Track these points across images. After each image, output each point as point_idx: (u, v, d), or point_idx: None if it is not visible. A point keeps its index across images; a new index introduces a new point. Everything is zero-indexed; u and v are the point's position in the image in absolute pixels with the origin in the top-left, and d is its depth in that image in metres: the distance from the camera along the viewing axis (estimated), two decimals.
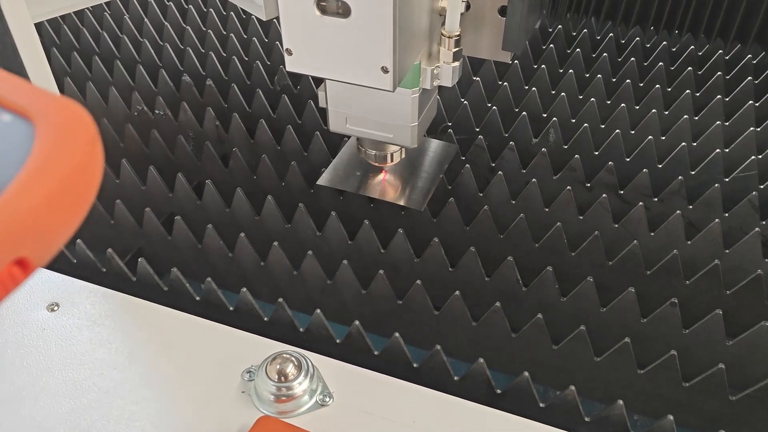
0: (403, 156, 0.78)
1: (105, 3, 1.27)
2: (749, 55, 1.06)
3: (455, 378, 0.64)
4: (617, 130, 0.90)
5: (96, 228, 0.85)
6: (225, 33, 1.18)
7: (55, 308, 0.70)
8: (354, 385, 0.62)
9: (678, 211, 0.77)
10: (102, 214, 0.83)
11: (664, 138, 0.92)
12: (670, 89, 1.02)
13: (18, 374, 0.64)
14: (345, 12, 0.54)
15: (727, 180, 0.86)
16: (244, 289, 0.68)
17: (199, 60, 1.10)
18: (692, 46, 1.07)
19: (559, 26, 1.14)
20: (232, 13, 1.21)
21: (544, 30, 1.17)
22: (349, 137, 0.91)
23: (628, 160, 0.90)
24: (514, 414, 0.60)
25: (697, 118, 0.96)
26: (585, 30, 1.12)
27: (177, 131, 0.95)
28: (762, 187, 0.84)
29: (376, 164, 0.78)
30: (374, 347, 0.67)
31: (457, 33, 0.62)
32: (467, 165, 0.84)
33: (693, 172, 0.87)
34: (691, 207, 0.83)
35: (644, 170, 0.84)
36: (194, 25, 1.20)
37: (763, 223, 0.80)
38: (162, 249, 0.82)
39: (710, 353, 0.67)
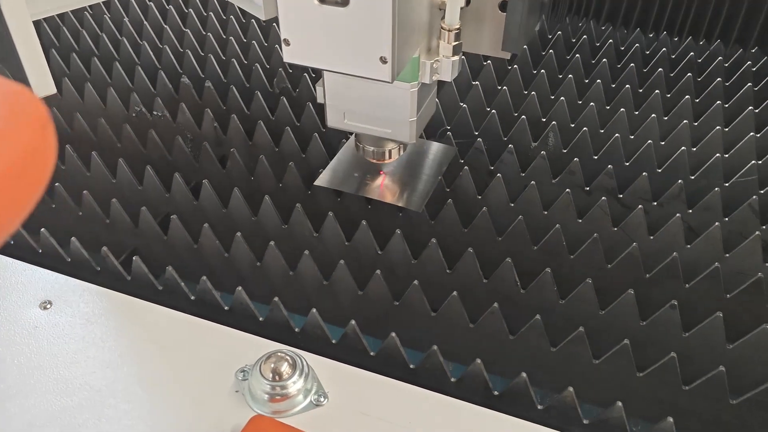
0: (402, 153, 0.77)
1: (105, 6, 1.27)
2: (749, 62, 1.06)
3: (452, 379, 0.63)
4: (616, 134, 0.89)
5: (91, 227, 0.84)
6: (225, 37, 1.18)
7: (48, 306, 0.69)
8: (349, 385, 0.62)
9: (678, 214, 0.77)
10: (97, 214, 0.83)
11: (663, 143, 0.92)
12: (669, 95, 1.02)
13: (8, 372, 0.63)
14: (344, 1, 0.53)
15: (726, 185, 0.85)
16: (239, 288, 0.68)
17: (198, 63, 1.10)
18: (692, 53, 1.07)
19: (559, 32, 1.14)
20: (231, 17, 1.21)
21: (543, 36, 1.17)
22: (347, 139, 0.90)
23: (627, 164, 0.90)
24: (512, 416, 0.60)
25: (696, 123, 0.95)
26: (584, 36, 1.12)
27: (175, 132, 0.95)
28: (762, 192, 0.84)
29: (374, 161, 0.77)
30: (370, 348, 0.66)
31: (457, 26, 0.61)
32: (466, 167, 0.84)
33: (693, 177, 0.87)
34: (690, 211, 0.82)
35: (644, 174, 0.83)
36: (194, 28, 1.20)
37: (764, 227, 0.79)
38: (158, 249, 0.81)
39: (711, 357, 0.67)
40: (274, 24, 1.18)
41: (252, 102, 1.00)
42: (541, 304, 0.72)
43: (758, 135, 0.92)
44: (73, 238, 0.74)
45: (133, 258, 0.72)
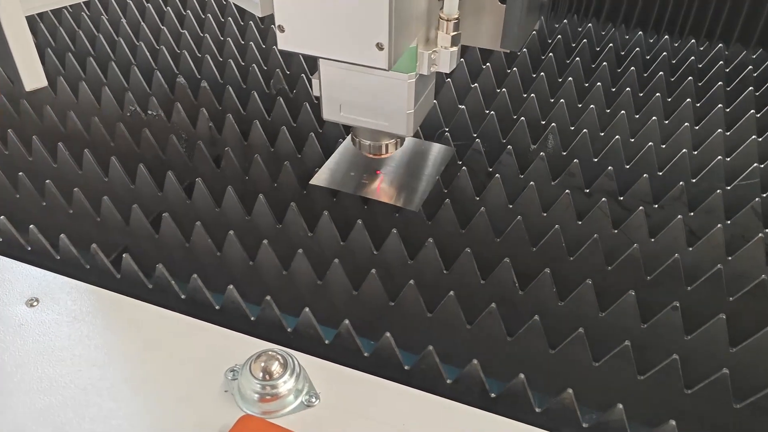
0: (399, 147, 0.76)
1: (102, 7, 1.26)
2: (750, 67, 1.05)
3: (448, 381, 0.61)
4: (617, 136, 0.88)
5: (82, 225, 0.82)
6: (222, 38, 1.17)
7: (35, 303, 0.67)
8: (342, 386, 0.60)
9: (679, 216, 0.75)
10: (88, 212, 0.81)
11: (664, 146, 0.91)
12: (670, 99, 1.01)
13: None
14: None
15: (728, 188, 0.84)
16: (231, 287, 0.66)
17: (195, 64, 1.09)
18: (692, 57, 1.07)
19: (559, 36, 1.13)
20: (229, 18, 1.20)
21: (543, 40, 1.16)
22: (344, 139, 0.89)
23: (627, 167, 0.88)
24: (509, 418, 0.58)
25: (697, 127, 0.94)
26: (585, 40, 1.11)
27: (169, 132, 0.94)
28: (765, 195, 0.82)
29: (371, 155, 0.76)
30: (364, 350, 0.64)
31: (456, 16, 0.60)
32: (464, 168, 0.83)
33: (694, 180, 0.86)
34: (692, 214, 0.81)
35: (644, 176, 0.82)
36: (191, 30, 1.19)
37: (766, 230, 0.78)
38: (149, 247, 0.80)
39: (713, 360, 0.65)
40: (272, 26, 1.17)
41: (248, 102, 0.99)
42: (540, 305, 0.70)
43: (760, 139, 0.91)
44: (62, 235, 0.73)
45: (123, 255, 0.70)
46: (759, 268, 0.73)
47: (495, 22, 0.65)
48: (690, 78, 1.01)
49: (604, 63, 1.05)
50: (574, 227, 0.80)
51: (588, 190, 0.85)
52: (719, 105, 0.94)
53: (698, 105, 0.99)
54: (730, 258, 0.75)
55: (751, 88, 0.99)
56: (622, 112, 0.93)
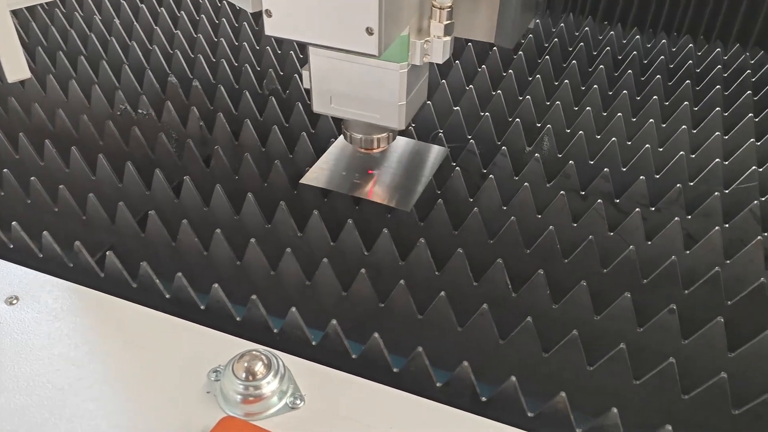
0: (392, 144, 0.74)
1: (96, 7, 1.25)
2: (748, 71, 1.04)
3: (438, 384, 0.60)
4: (613, 138, 0.87)
5: (67, 223, 0.81)
6: (216, 39, 1.16)
7: (15, 301, 0.66)
8: (328, 387, 0.58)
9: (676, 218, 0.74)
10: (74, 210, 0.80)
11: (661, 149, 0.90)
12: (667, 103, 1.00)
13: None
14: None
15: (726, 191, 0.83)
16: (216, 285, 0.64)
17: (187, 64, 1.08)
18: (690, 61, 1.06)
19: (555, 40, 1.12)
20: (223, 19, 1.19)
21: (540, 44, 1.15)
22: (336, 138, 0.88)
23: (624, 170, 0.87)
24: (501, 423, 0.56)
25: (695, 131, 0.93)
26: (581, 44, 1.10)
27: (159, 131, 0.92)
28: (764, 198, 0.81)
29: (362, 149, 0.74)
30: (352, 351, 0.62)
31: (449, 4, 0.59)
32: (457, 168, 0.81)
33: (692, 183, 0.84)
34: (689, 217, 0.79)
35: (641, 177, 0.80)
36: (185, 30, 1.18)
37: (765, 234, 0.76)
38: (135, 246, 0.78)
39: (711, 365, 0.63)
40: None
41: (240, 102, 0.98)
42: (534, 308, 0.69)
43: (759, 143, 0.90)
44: (45, 233, 0.71)
45: (107, 253, 0.69)
46: (758, 271, 0.72)
47: (490, 13, 0.64)
48: (687, 81, 1.00)
49: (601, 66, 1.04)
50: (569, 229, 0.78)
51: (584, 193, 0.83)
52: (717, 108, 0.93)
53: (696, 109, 0.98)
54: (728, 261, 0.73)
55: (749, 92, 0.98)
56: (619, 114, 0.92)
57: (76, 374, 0.59)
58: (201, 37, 1.13)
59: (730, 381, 0.59)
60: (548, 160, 0.88)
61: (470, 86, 0.99)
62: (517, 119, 0.91)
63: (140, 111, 0.97)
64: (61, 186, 0.79)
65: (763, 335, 0.61)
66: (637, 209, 0.76)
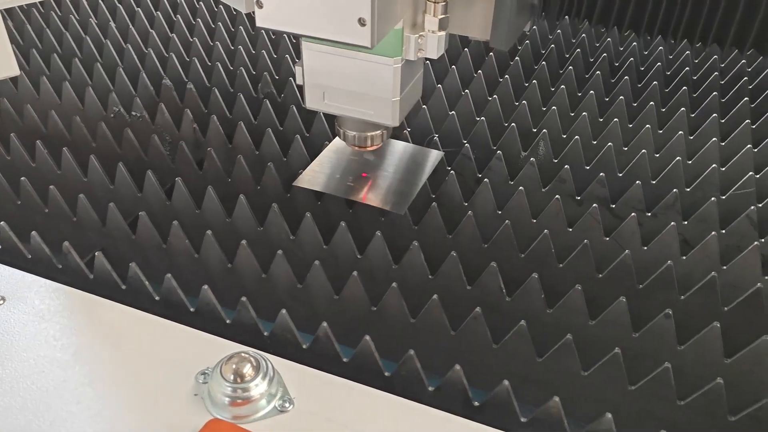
0: (385, 140, 0.73)
1: (92, 11, 1.25)
2: (745, 78, 1.03)
3: (430, 388, 0.59)
4: (609, 143, 0.86)
5: (58, 225, 0.80)
6: (212, 43, 1.16)
7: (1, 302, 0.65)
8: (318, 391, 0.57)
9: (672, 223, 0.73)
10: (64, 211, 0.79)
11: (657, 155, 0.89)
12: (664, 109, 0.99)
13: None
14: None
15: (723, 197, 0.82)
16: (206, 287, 0.63)
17: (182, 67, 1.07)
18: (687, 68, 1.05)
19: (552, 46, 1.12)
20: (219, 23, 1.19)
21: (536, 50, 1.15)
22: (330, 141, 0.87)
23: (620, 175, 0.86)
24: (494, 428, 0.55)
25: (692, 137, 0.93)
26: (578, 50, 1.10)
27: (153, 133, 0.91)
28: (761, 204, 0.80)
29: (355, 147, 0.73)
30: (344, 355, 0.61)
31: None
32: (452, 172, 0.81)
33: (688, 189, 0.84)
34: (686, 223, 0.79)
35: (637, 182, 0.80)
36: (181, 34, 1.18)
37: (762, 240, 0.75)
38: (125, 248, 0.77)
39: (707, 371, 0.62)
40: (262, 31, 1.16)
41: (234, 106, 0.97)
42: (528, 312, 0.68)
43: (756, 149, 0.89)
44: (33, 233, 0.70)
45: (96, 254, 0.68)
46: (754, 277, 0.71)
47: (485, 9, 0.63)
48: (684, 88, 1.00)
49: (598, 72, 1.04)
50: (564, 234, 0.77)
51: (579, 197, 0.83)
52: (714, 115, 0.93)
53: (693, 115, 0.98)
54: (724, 267, 0.72)
55: (746, 98, 0.98)
56: (615, 120, 0.91)
57: (61, 376, 0.58)
58: (197, 40, 1.13)
59: (727, 387, 0.58)
60: (544, 165, 0.88)
61: (466, 91, 0.98)
62: (513, 124, 0.90)
63: (134, 113, 0.96)
64: (51, 187, 0.79)
65: (760, 341, 0.60)
66: (633, 214, 0.75)
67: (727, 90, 1.04)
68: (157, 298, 0.67)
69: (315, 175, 0.81)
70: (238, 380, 0.54)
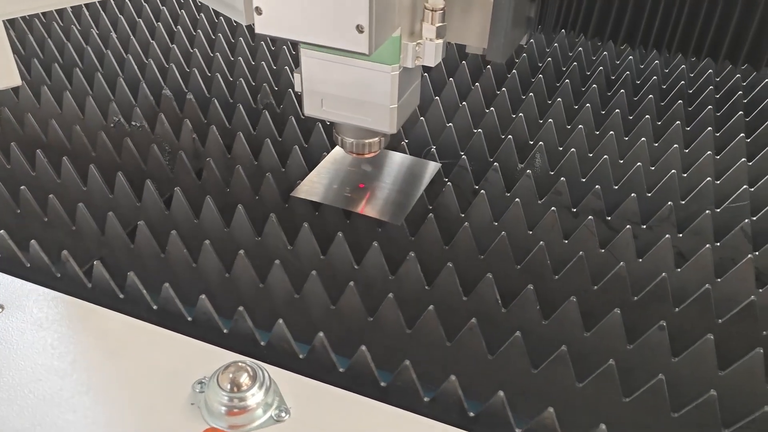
0: (382, 147, 0.74)
1: (94, 22, 1.26)
2: (740, 92, 1.05)
3: (425, 399, 0.59)
4: (605, 156, 0.87)
5: (57, 234, 0.80)
6: (212, 54, 1.17)
7: None
8: (314, 401, 0.57)
9: (667, 236, 0.74)
10: (63, 220, 0.79)
11: (653, 168, 0.90)
12: (660, 123, 1.00)
13: None
14: None
15: (718, 210, 0.83)
16: (203, 296, 0.64)
17: (182, 78, 1.08)
18: (683, 82, 1.06)
19: (549, 59, 1.13)
20: (220, 35, 1.20)
21: (534, 64, 1.16)
22: (328, 152, 0.88)
23: (616, 188, 0.87)
24: None
25: (687, 150, 0.93)
26: (575, 63, 1.11)
27: (152, 143, 0.92)
28: (755, 218, 0.81)
29: (353, 154, 0.74)
30: (340, 365, 0.62)
31: (441, 6, 0.59)
32: (449, 183, 0.81)
33: (683, 202, 0.84)
34: (681, 235, 0.79)
35: (632, 195, 0.80)
36: (181, 45, 1.19)
37: (756, 253, 0.76)
38: (123, 257, 0.78)
39: (701, 383, 0.63)
40: (262, 42, 1.17)
41: (234, 116, 0.98)
42: (523, 323, 0.68)
43: (750, 163, 0.90)
44: (32, 242, 0.70)
45: (94, 263, 0.68)
46: (748, 290, 0.71)
47: (482, 18, 0.64)
48: (680, 102, 1.01)
49: (594, 86, 1.05)
50: (560, 246, 0.78)
51: (575, 210, 0.83)
52: (708, 128, 0.94)
53: (688, 129, 0.99)
54: (719, 280, 0.73)
55: (740, 112, 0.99)
56: (611, 133, 0.92)
57: (58, 384, 0.58)
58: (197, 51, 1.14)
59: (720, 399, 0.58)
60: (540, 177, 0.88)
61: (464, 103, 0.99)
62: (510, 136, 0.91)
63: (134, 123, 0.97)
64: (50, 195, 0.79)
65: (753, 354, 0.61)
66: (628, 227, 0.75)
67: (722, 104, 1.05)
68: (154, 307, 0.67)
69: (313, 186, 0.81)
70: (235, 390, 0.54)
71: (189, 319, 0.66)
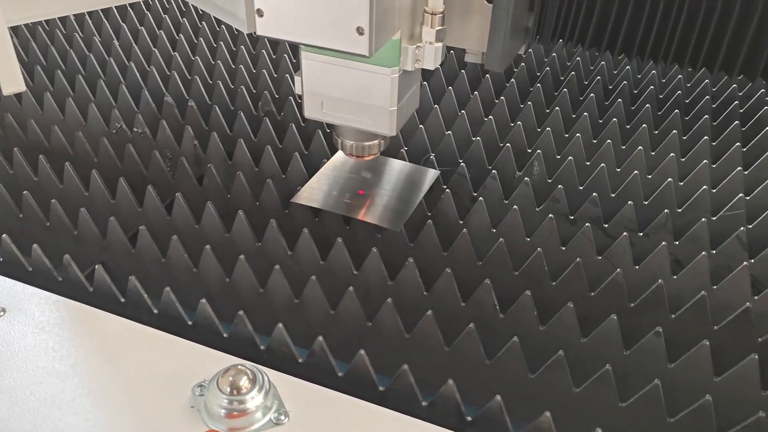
0: (382, 149, 0.75)
1: (96, 29, 1.27)
2: (736, 102, 1.06)
3: (423, 403, 0.59)
4: (602, 164, 0.88)
5: (59, 238, 0.81)
6: (213, 62, 1.18)
7: (1, 313, 0.66)
8: (313, 404, 0.58)
9: (663, 243, 0.74)
10: (65, 225, 0.80)
11: (650, 177, 0.91)
12: (657, 132, 1.01)
13: None
14: None
15: (714, 218, 0.83)
16: (203, 301, 0.64)
17: (184, 85, 1.09)
18: (679, 91, 1.07)
19: (547, 68, 1.14)
20: (221, 43, 1.21)
21: (532, 73, 1.17)
22: (328, 159, 0.89)
23: (613, 196, 0.88)
24: None
25: (683, 159, 0.94)
26: (573, 73, 1.12)
27: (154, 149, 0.93)
28: (750, 226, 0.82)
29: (352, 156, 0.74)
30: (339, 370, 0.62)
31: (441, 10, 0.60)
32: (447, 190, 0.82)
33: (680, 210, 0.85)
34: (677, 243, 0.80)
35: (629, 203, 0.81)
36: (183, 53, 1.20)
37: (752, 261, 0.77)
38: (125, 262, 0.78)
39: (697, 389, 0.63)
40: (263, 50, 1.18)
41: (235, 123, 0.99)
42: (521, 329, 0.69)
43: (746, 172, 0.91)
44: (34, 245, 0.71)
45: (96, 267, 0.69)
46: (744, 297, 0.72)
47: (482, 23, 0.65)
48: (676, 111, 1.02)
49: (592, 95, 1.06)
50: (557, 253, 0.78)
51: (572, 217, 0.84)
52: (705, 137, 0.95)
53: (684, 138, 1.00)
54: (714, 287, 0.74)
55: (737, 122, 1.00)
56: (609, 141, 0.93)
57: (59, 387, 0.58)
58: (198, 59, 1.15)
59: (716, 405, 0.59)
60: (538, 185, 0.89)
61: (462, 111, 1.00)
62: (508, 144, 0.92)
63: (135, 129, 0.98)
64: (53, 200, 0.80)
65: (748, 360, 0.61)
66: (625, 234, 0.76)
67: (719, 114, 1.06)
68: (155, 311, 0.68)
69: (313, 192, 0.82)
70: (235, 393, 0.55)
71: (189, 323, 0.67)
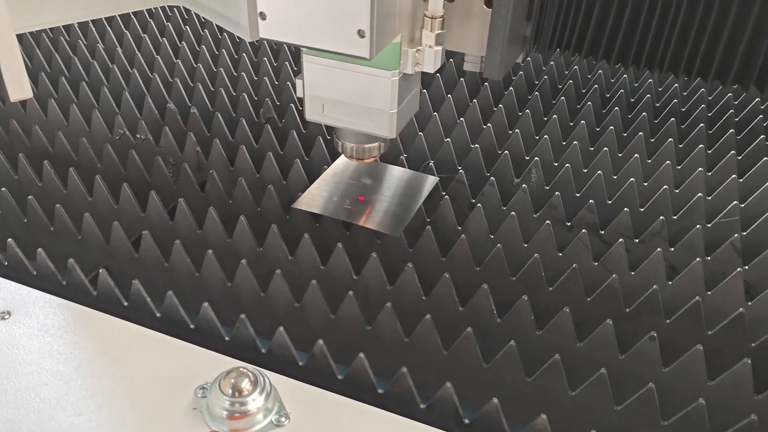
0: (382, 152, 0.76)
1: (99, 36, 1.29)
2: (731, 111, 1.07)
3: (421, 405, 0.60)
4: (599, 172, 0.89)
5: (63, 243, 0.82)
6: (215, 69, 1.19)
7: (6, 316, 0.66)
8: (313, 407, 0.59)
9: (659, 249, 0.76)
10: (69, 229, 0.81)
11: (646, 184, 0.92)
12: (653, 140, 1.02)
13: None
14: None
15: (709, 225, 0.85)
16: (206, 304, 0.65)
17: (187, 92, 1.11)
18: (675, 100, 1.09)
19: (545, 77, 1.15)
20: (223, 50, 1.22)
21: (530, 82, 1.18)
22: (329, 165, 0.90)
23: (609, 202, 0.89)
24: None
25: (679, 167, 0.96)
26: (570, 81, 1.14)
27: (157, 155, 0.94)
28: (744, 233, 0.83)
29: (353, 158, 0.75)
30: (339, 372, 0.63)
31: (441, 14, 0.61)
32: (446, 197, 0.83)
33: (675, 217, 0.86)
34: (672, 249, 0.81)
35: (625, 209, 0.82)
36: (186, 61, 1.21)
37: (745, 267, 0.78)
38: (128, 266, 0.79)
39: (691, 393, 0.64)
40: (264, 57, 1.20)
41: (237, 130, 1.00)
42: (518, 333, 0.70)
43: (741, 180, 0.92)
44: (39, 250, 0.72)
45: (100, 271, 0.70)
46: (738, 302, 0.73)
47: (481, 27, 0.66)
48: (672, 119, 1.03)
49: (589, 103, 1.07)
50: (554, 258, 0.80)
51: (569, 223, 0.85)
52: (700, 146, 0.96)
53: (680, 146, 1.01)
54: (709, 292, 0.75)
55: (732, 130, 1.01)
56: (605, 149, 0.94)
57: (63, 389, 0.59)
58: (201, 66, 1.16)
59: (709, 408, 0.60)
60: (535, 192, 0.91)
61: (461, 119, 1.02)
62: (506, 152, 0.93)
63: (138, 136, 0.99)
64: (57, 205, 0.81)
65: (741, 364, 0.62)
66: (621, 240, 0.77)
67: (714, 122, 1.08)
68: (158, 314, 0.69)
69: (313, 198, 0.83)
70: (236, 395, 0.56)
71: (192, 326, 0.68)
